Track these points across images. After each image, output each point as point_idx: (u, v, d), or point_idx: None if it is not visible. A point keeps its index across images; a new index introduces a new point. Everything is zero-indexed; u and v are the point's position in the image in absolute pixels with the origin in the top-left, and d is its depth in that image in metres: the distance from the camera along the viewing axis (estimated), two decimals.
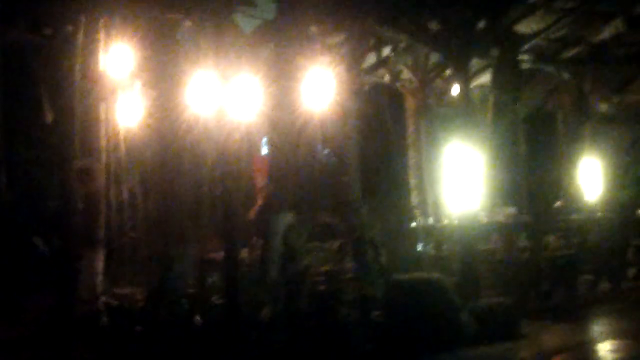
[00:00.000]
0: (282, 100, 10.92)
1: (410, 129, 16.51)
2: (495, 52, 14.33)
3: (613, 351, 9.37)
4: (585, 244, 12.96)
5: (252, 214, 11.35)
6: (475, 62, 14.06)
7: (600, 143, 17.53)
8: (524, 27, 14.18)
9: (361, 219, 11.95)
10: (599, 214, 14.53)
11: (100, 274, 10.78)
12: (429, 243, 13.24)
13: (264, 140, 12.39)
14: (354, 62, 12.61)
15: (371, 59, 15.14)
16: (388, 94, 18.00)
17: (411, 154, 16.46)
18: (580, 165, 16.61)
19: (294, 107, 10.91)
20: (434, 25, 12.65)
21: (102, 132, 11.11)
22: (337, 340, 9.09)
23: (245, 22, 11.96)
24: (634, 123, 21.39)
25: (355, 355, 9.11)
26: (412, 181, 16.36)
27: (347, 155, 12.24)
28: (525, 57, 15.26)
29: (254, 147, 12.20)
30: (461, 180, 11.52)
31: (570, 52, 15.91)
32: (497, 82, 14.86)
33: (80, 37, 10.70)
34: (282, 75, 11.13)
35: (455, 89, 12.56)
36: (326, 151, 13.44)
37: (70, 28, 10.69)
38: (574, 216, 14.37)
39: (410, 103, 16.46)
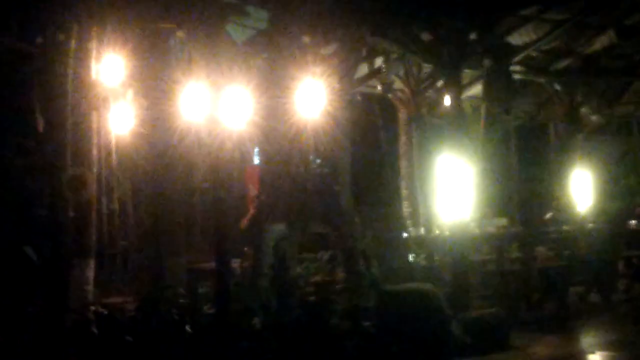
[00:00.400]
0: (274, 110, 10.93)
1: (402, 139, 16.53)
2: (487, 63, 14.37)
3: None
4: (575, 255, 12.97)
5: (243, 223, 11.35)
6: (467, 73, 14.11)
7: (591, 154, 17.59)
8: (516, 39, 14.22)
9: (353, 229, 11.97)
10: (590, 225, 14.55)
11: (90, 283, 10.75)
12: (420, 253, 13.24)
13: (256, 150, 12.39)
14: (346, 73, 12.64)
15: (363, 69, 15.17)
16: (380, 105, 18.10)
17: (403, 164, 16.47)
18: (571, 177, 16.64)
19: (286, 117, 10.92)
20: (425, 36, 12.68)
21: (94, 140, 11.09)
22: (328, 351, 9.08)
23: (238, 32, 11.97)
24: (625, 135, 21.52)
25: None
26: (404, 191, 16.38)
27: (339, 166, 12.26)
28: (517, 68, 15.29)
29: (246, 157, 12.21)
30: (453, 191, 11.53)
31: (562, 64, 15.96)
32: (489, 93, 14.88)
33: (72, 45, 10.68)
34: (274, 85, 11.15)
35: (447, 100, 12.57)
36: (318, 161, 13.46)
37: (62, 36, 10.68)
38: (565, 227, 14.39)
39: (402, 113, 16.48)
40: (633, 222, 15.54)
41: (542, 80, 16.51)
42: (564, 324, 11.32)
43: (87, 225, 10.87)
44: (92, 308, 10.14)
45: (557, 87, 16.72)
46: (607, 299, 12.64)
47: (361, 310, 9.94)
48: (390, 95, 16.37)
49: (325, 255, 12.35)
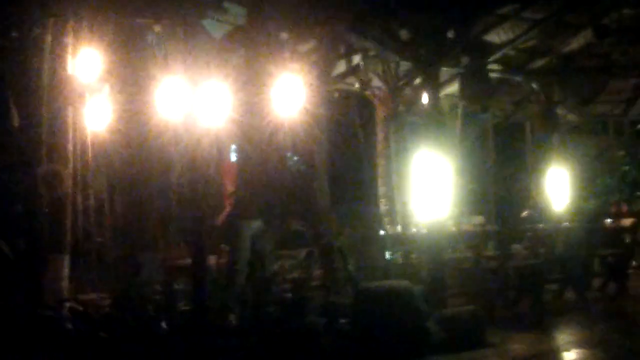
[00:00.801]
0: (252, 106, 10.89)
1: (380, 136, 16.56)
2: (464, 61, 14.42)
3: None
4: (551, 253, 13.02)
5: (220, 220, 11.28)
6: (444, 71, 14.14)
7: (567, 153, 17.68)
8: (494, 37, 14.28)
9: (329, 226, 11.96)
10: (566, 223, 14.63)
11: (65, 279, 10.69)
12: (397, 251, 13.26)
13: (233, 146, 12.35)
14: (324, 70, 12.63)
15: (341, 66, 15.18)
16: (358, 102, 18.11)
17: (380, 161, 16.50)
18: (548, 175, 16.73)
19: (264, 113, 10.88)
20: (404, 34, 12.70)
21: (70, 136, 11.03)
22: (304, 347, 9.08)
23: (215, 27, 11.92)
24: (601, 133, 21.67)
25: None
26: (381, 189, 16.41)
27: (316, 163, 12.24)
28: (494, 66, 15.36)
29: (223, 153, 12.15)
30: (429, 189, 11.54)
31: (539, 63, 16.04)
32: (466, 92, 14.97)
33: (48, 40, 10.61)
34: (251, 82, 11.11)
35: (425, 98, 12.58)
36: (295, 158, 13.44)
37: (37, 31, 10.60)
38: (541, 226, 14.46)
39: (379, 111, 16.50)
40: (608, 220, 15.65)
41: (519, 78, 16.58)
42: (540, 322, 11.36)
43: (62, 221, 10.81)
44: (67, 304, 10.08)
45: (534, 85, 16.80)
46: (582, 297, 12.70)
47: (337, 307, 9.94)
48: (368, 93, 16.41)
49: (302, 252, 12.32)
